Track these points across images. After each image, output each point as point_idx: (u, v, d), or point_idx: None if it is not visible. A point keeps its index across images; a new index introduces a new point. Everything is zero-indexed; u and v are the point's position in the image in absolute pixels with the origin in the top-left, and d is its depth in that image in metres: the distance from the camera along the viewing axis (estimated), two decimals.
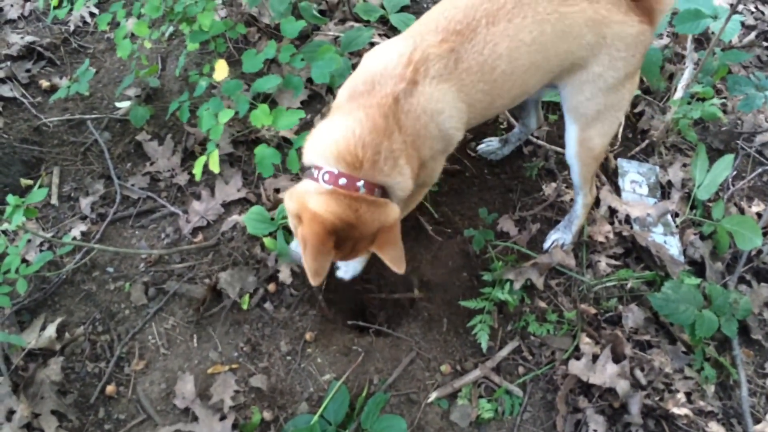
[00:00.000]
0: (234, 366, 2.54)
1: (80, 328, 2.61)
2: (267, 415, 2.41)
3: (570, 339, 2.65)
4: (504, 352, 2.63)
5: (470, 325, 2.66)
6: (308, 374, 2.54)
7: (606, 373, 2.51)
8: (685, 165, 3.27)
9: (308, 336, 2.61)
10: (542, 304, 2.76)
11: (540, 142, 3.27)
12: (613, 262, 2.85)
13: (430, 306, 2.72)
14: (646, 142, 3.35)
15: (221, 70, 2.58)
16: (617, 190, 3.17)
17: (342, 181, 1.93)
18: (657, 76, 3.42)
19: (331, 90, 3.33)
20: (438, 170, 2.34)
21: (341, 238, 1.95)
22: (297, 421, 2.37)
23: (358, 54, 3.36)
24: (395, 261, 2.01)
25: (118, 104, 3.37)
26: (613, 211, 3.07)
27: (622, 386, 2.48)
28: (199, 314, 2.67)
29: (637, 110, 3.49)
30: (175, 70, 3.47)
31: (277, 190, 2.96)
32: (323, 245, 1.90)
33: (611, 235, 2.93)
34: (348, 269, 2.71)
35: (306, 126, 3.26)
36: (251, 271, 2.77)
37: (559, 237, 2.90)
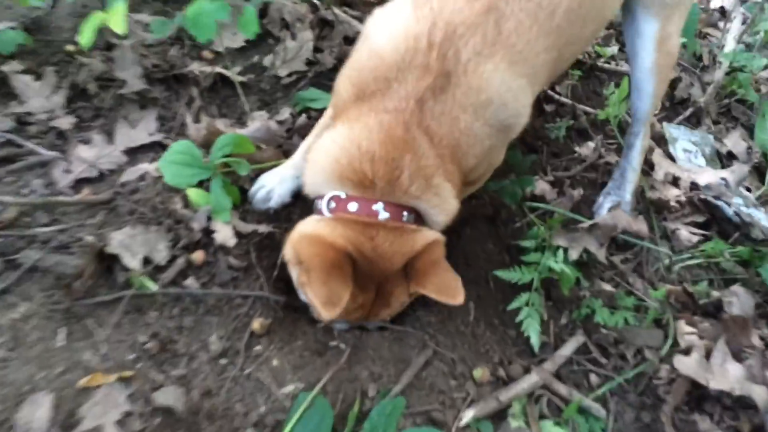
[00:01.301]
0: (126, 374, 1.49)
1: None
2: None
3: (660, 332, 1.75)
4: (566, 351, 1.70)
5: (511, 308, 1.73)
6: (257, 385, 1.51)
7: (729, 376, 1.61)
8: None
9: (257, 325, 1.61)
10: (607, 287, 1.87)
11: (564, 99, 2.50)
12: (697, 231, 2.02)
13: None
14: (691, 109, 2.64)
15: None
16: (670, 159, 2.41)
17: (352, 206, 1.43)
18: (692, 38, 2.78)
19: (288, 25, 2.48)
20: (499, 159, 1.72)
21: (359, 274, 1.41)
22: None
23: None
24: (444, 291, 1.42)
25: None
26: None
27: (761, 395, 1.57)
28: (71, 297, 1.62)
29: (671, 76, 2.80)
30: (66, 9, 2.55)
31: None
32: (333, 267, 1.36)
33: (683, 199, 2.12)
34: None
35: (252, 68, 2.38)
36: (164, 233, 1.76)
37: (614, 200, 2.07)
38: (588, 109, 2.50)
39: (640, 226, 1.96)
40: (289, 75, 2.35)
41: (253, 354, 1.57)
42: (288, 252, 1.52)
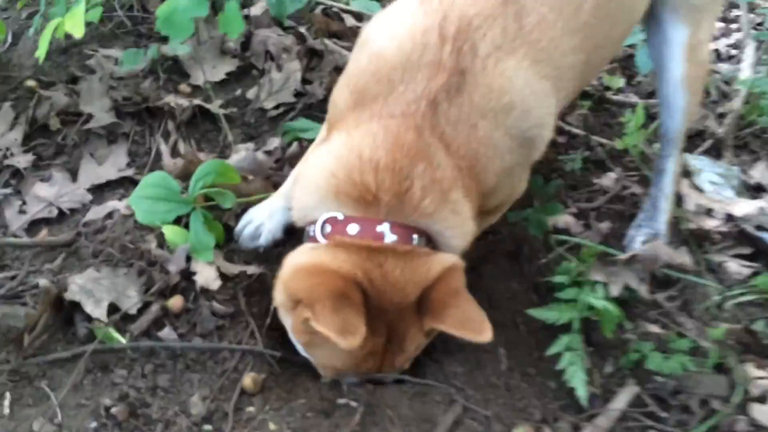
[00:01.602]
0: None
1: None
2: None
3: (724, 378, 1.52)
4: (620, 404, 1.45)
5: (550, 354, 1.49)
6: None
7: None
8: None
9: (248, 382, 1.35)
10: (654, 328, 1.64)
11: (576, 130, 2.35)
12: (747, 264, 1.82)
13: None
14: (709, 141, 2.50)
15: None
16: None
17: (353, 228, 1.22)
18: None
19: (273, 57, 2.31)
20: (522, 186, 1.54)
21: (369, 310, 1.18)
22: None
23: None
24: (467, 325, 1.19)
25: None
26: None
27: None
28: (20, 354, 1.36)
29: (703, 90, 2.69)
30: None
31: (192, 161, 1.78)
32: (342, 296, 1.14)
33: (724, 230, 1.94)
34: None
35: (235, 102, 2.19)
36: (135, 276, 1.52)
37: (648, 233, 1.87)
38: (603, 140, 2.34)
39: (684, 258, 1.76)
40: (276, 107, 2.16)
41: (244, 417, 1.30)
42: (279, 295, 1.28)
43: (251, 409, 1.32)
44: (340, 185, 1.23)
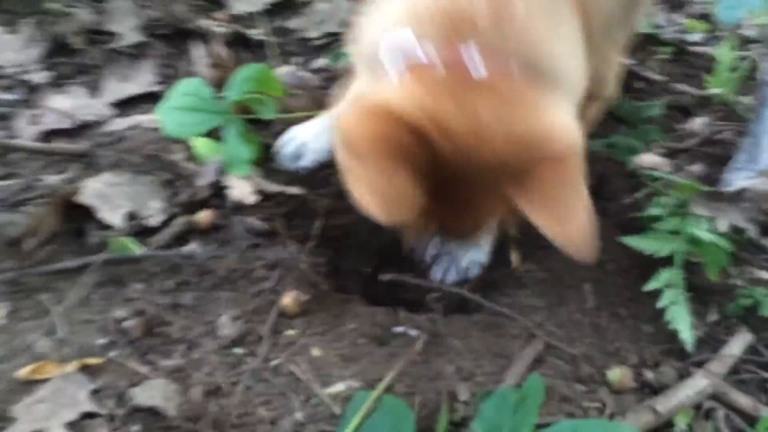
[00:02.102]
0: (92, 362, 1.02)
1: None
2: None
3: None
4: (735, 350, 1.22)
5: (649, 289, 1.26)
6: (289, 382, 1.04)
7: None
8: None
9: (289, 301, 1.14)
10: (764, 275, 1.41)
11: (655, 76, 2.12)
12: None
13: (554, 264, 1.32)
14: None
15: None
16: None
17: (428, 49, 0.86)
18: None
19: None
20: (613, 68, 1.26)
21: (437, 171, 0.85)
22: None
23: None
24: (562, 226, 0.85)
25: None
26: None
27: None
28: (21, 262, 1.17)
29: None
30: None
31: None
32: (393, 150, 0.81)
33: None
34: (449, 265, 1.33)
35: (276, 32, 2.02)
36: (159, 186, 1.33)
37: (749, 176, 1.64)
38: (688, 88, 2.11)
39: None
40: (321, 38, 1.98)
41: (283, 341, 1.10)
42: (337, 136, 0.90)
43: (291, 332, 1.11)
44: (420, 11, 0.90)
